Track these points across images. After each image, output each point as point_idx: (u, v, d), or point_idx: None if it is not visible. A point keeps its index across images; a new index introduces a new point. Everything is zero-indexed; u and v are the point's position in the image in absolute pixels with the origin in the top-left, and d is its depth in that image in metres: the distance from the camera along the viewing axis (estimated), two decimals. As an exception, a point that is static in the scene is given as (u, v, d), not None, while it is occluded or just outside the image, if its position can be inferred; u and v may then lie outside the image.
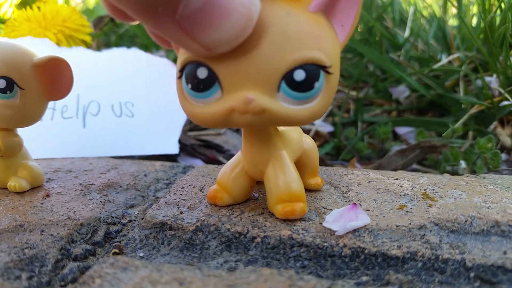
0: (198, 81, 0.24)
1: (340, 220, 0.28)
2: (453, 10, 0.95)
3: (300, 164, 0.33)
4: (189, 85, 0.25)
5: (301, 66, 0.24)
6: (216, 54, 0.23)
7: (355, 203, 0.29)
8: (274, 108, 0.24)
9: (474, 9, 0.83)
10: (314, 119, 0.26)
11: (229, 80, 0.24)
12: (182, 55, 0.25)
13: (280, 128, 0.31)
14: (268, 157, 0.29)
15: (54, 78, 0.35)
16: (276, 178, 0.29)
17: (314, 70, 0.24)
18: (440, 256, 0.26)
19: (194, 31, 0.22)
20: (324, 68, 0.24)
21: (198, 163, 0.55)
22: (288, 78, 0.24)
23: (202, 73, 0.24)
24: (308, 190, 0.34)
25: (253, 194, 0.34)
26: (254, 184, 0.32)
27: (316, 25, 0.24)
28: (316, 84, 0.24)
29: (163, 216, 0.31)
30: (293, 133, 0.32)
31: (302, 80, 0.24)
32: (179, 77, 0.26)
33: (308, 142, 0.34)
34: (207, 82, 0.24)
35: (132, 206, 0.36)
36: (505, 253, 0.26)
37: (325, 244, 0.27)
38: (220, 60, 0.24)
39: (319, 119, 0.33)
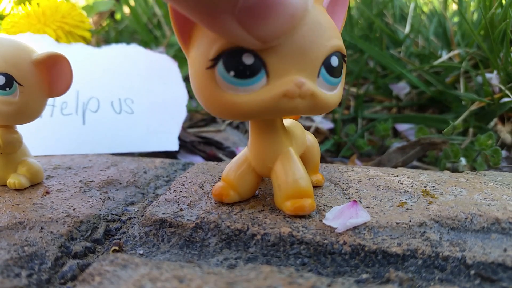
0: (244, 67, 0.24)
1: (340, 217, 0.28)
2: (454, 6, 0.95)
3: (302, 161, 0.33)
4: (232, 72, 0.24)
5: (334, 53, 0.26)
6: (269, 46, 0.24)
7: (355, 200, 0.29)
8: (318, 92, 0.26)
9: (475, 5, 0.83)
10: (336, 105, 0.28)
11: (275, 66, 0.24)
12: (215, 43, 0.24)
13: (285, 125, 0.31)
14: (276, 153, 0.29)
15: (54, 75, 0.35)
16: (285, 175, 0.29)
17: (341, 57, 0.26)
18: (441, 254, 0.26)
19: (252, 25, 0.22)
20: (344, 56, 0.27)
21: (198, 160, 0.55)
22: (327, 63, 0.26)
23: (248, 59, 0.24)
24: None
25: (253, 191, 0.34)
26: (260, 181, 0.32)
27: (330, 19, 0.27)
28: (343, 71, 0.27)
29: (163, 214, 0.31)
30: (296, 130, 0.32)
31: (336, 65, 0.26)
32: (211, 66, 0.24)
33: (310, 139, 0.34)
34: (253, 68, 0.24)
35: (132, 203, 0.36)
36: (505, 250, 0.26)
37: (325, 241, 0.27)
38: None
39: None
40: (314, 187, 0.34)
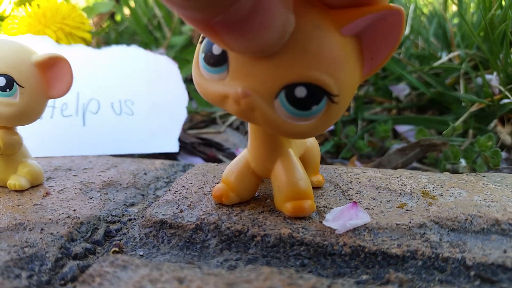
0: (211, 55, 0.25)
1: (340, 218, 0.28)
2: (454, 8, 0.95)
3: (302, 162, 0.33)
4: (203, 55, 0.25)
5: (305, 84, 0.23)
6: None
7: (355, 202, 0.29)
8: (265, 111, 0.24)
9: (475, 7, 0.83)
10: (302, 137, 0.26)
11: (236, 68, 0.24)
12: None
13: None
14: (275, 155, 0.29)
15: (54, 76, 0.35)
16: (285, 177, 0.29)
17: (317, 93, 0.23)
18: (440, 255, 0.26)
19: (227, 39, 0.21)
20: (329, 94, 0.23)
21: (198, 161, 0.55)
22: (288, 90, 0.23)
23: (217, 49, 0.24)
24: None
25: (253, 193, 0.34)
26: (260, 182, 0.32)
27: (340, 50, 0.23)
28: (314, 107, 0.24)
29: (163, 215, 0.31)
30: None
31: (301, 97, 0.23)
32: (200, 42, 0.26)
33: (310, 140, 0.34)
34: (218, 59, 0.24)
35: (132, 204, 0.36)
36: (505, 251, 0.26)
37: (325, 242, 0.27)
38: None
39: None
40: (314, 188, 0.34)
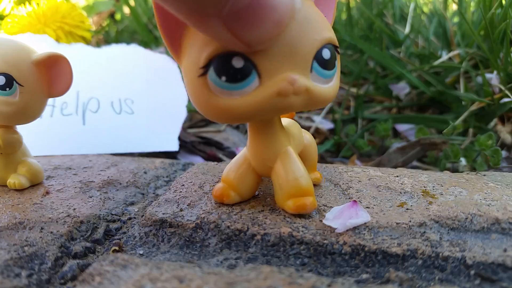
0: (234, 71, 0.24)
1: (340, 217, 0.28)
2: (454, 7, 0.95)
3: (300, 159, 0.33)
4: (223, 78, 0.24)
5: (325, 46, 0.26)
6: (256, 49, 0.24)
7: (355, 201, 0.29)
8: (312, 87, 0.25)
9: (475, 5, 0.83)
10: (333, 98, 0.28)
11: (266, 66, 0.24)
12: (204, 50, 0.24)
13: (283, 124, 0.31)
14: (275, 153, 0.29)
15: (54, 75, 0.35)
16: (286, 174, 0.29)
17: (333, 49, 0.26)
18: (441, 254, 0.26)
19: (239, 29, 0.21)
20: (336, 48, 0.27)
21: (198, 160, 0.55)
22: (318, 57, 0.25)
23: (238, 62, 0.24)
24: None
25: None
26: (260, 181, 0.32)
27: (319, 12, 0.26)
28: (336, 63, 0.27)
29: (163, 214, 0.31)
30: (294, 129, 0.32)
31: (328, 58, 0.26)
32: (203, 74, 0.25)
33: (307, 137, 0.34)
34: (244, 71, 0.24)
35: (132, 203, 0.36)
36: (505, 250, 0.26)
37: (325, 241, 0.27)
38: None
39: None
40: (317, 186, 0.34)
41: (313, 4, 0.26)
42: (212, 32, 0.22)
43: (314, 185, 0.34)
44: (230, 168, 0.32)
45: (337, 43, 0.27)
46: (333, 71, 0.27)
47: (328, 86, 0.27)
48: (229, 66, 0.24)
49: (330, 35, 0.26)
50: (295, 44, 0.24)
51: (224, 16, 0.20)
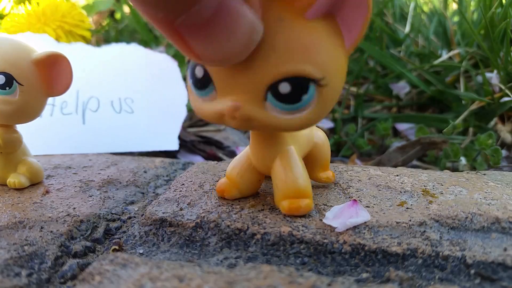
0: (196, 79, 0.25)
1: (340, 216, 0.28)
2: (454, 6, 0.95)
3: (311, 158, 0.32)
4: (191, 80, 0.26)
5: (286, 79, 0.23)
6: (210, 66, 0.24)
7: (355, 200, 0.29)
8: (261, 116, 0.24)
9: (475, 5, 0.83)
10: (306, 127, 0.26)
11: (220, 84, 0.24)
12: None
13: None
14: (275, 152, 0.29)
15: (54, 74, 0.35)
16: (283, 174, 0.29)
17: (301, 83, 0.23)
18: (441, 253, 0.26)
19: (191, 43, 0.21)
20: (313, 80, 0.23)
21: (198, 159, 0.55)
22: (273, 89, 0.23)
23: (199, 72, 0.25)
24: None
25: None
26: (263, 179, 0.32)
27: (310, 34, 0.23)
28: (305, 97, 0.24)
29: (163, 213, 0.31)
30: None
31: (287, 93, 0.23)
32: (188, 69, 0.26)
33: (320, 135, 0.33)
34: (203, 81, 0.25)
35: (132, 202, 0.36)
36: (505, 250, 0.26)
37: (325, 240, 0.27)
38: None
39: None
40: (317, 185, 0.34)
41: (306, 24, 0.23)
42: (171, 40, 0.21)
43: (324, 183, 0.34)
44: (233, 165, 0.32)
45: (314, 76, 0.23)
46: (298, 105, 0.24)
47: (293, 117, 0.24)
48: (193, 73, 0.25)
49: (300, 68, 0.23)
50: (249, 71, 0.23)
51: (176, 26, 0.20)
